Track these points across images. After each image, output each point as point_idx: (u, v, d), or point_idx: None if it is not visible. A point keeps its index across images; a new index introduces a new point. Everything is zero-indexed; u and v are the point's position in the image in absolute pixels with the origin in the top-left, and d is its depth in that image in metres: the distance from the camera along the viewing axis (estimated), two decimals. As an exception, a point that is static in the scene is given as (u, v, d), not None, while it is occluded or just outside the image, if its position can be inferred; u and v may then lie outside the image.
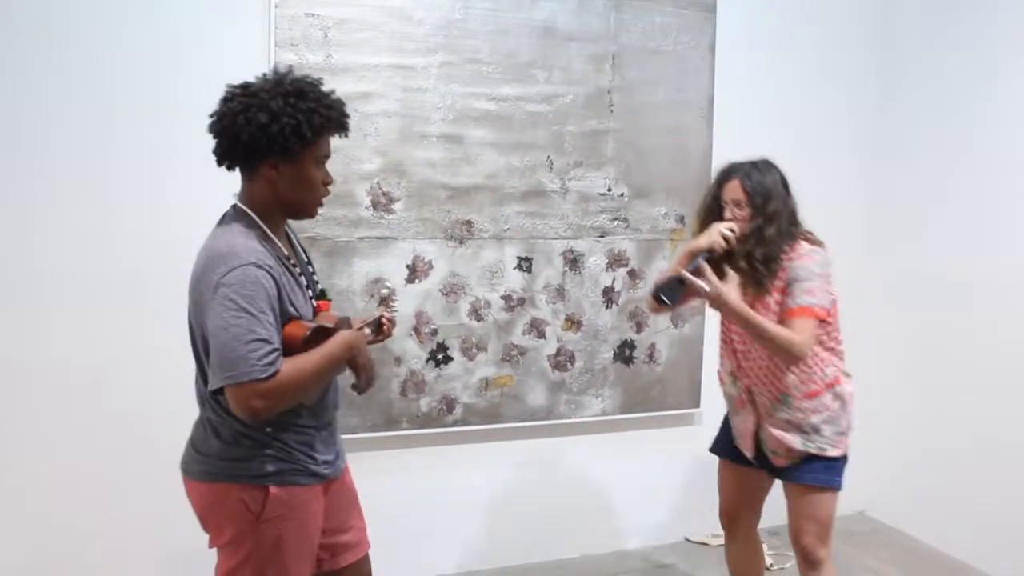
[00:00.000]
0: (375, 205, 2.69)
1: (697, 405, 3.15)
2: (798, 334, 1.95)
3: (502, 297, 2.87)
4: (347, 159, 2.59)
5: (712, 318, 2.79)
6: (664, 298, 1.96)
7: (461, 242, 2.80)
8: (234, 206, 1.62)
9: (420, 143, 2.72)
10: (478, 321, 2.85)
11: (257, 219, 1.58)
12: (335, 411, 1.74)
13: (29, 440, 2.45)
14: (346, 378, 1.69)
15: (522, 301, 2.90)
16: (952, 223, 3.10)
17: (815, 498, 2.11)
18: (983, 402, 2.96)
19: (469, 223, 2.80)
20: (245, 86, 1.56)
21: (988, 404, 2.94)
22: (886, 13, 3.37)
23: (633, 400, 3.07)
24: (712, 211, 2.12)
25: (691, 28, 3.03)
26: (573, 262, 2.95)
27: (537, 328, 2.93)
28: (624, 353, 3.05)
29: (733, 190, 2.06)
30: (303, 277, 1.66)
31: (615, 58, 2.94)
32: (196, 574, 2.57)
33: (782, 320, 2.00)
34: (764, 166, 2.08)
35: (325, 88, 1.59)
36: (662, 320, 3.08)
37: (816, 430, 2.08)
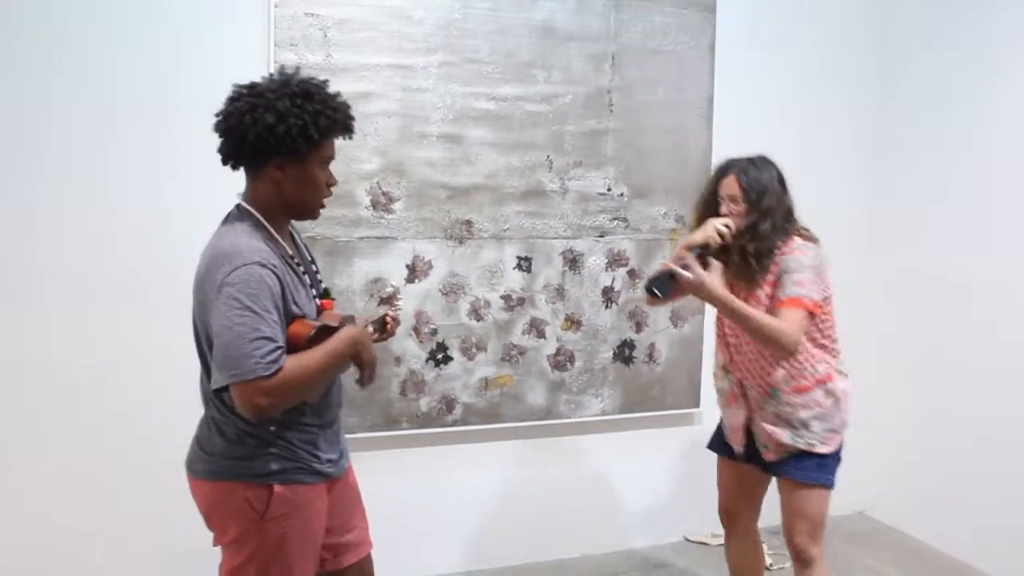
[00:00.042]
0: (375, 205, 2.69)
1: (697, 405, 3.15)
2: (787, 324, 1.95)
3: (502, 297, 2.87)
4: (347, 159, 2.59)
5: (712, 317, 2.79)
6: (656, 291, 1.99)
7: (461, 242, 2.80)
8: (238, 206, 1.63)
9: (420, 143, 2.72)
10: (478, 321, 2.85)
11: (261, 218, 1.59)
12: (339, 409, 1.74)
13: (29, 440, 2.45)
14: (349, 375, 1.69)
15: (522, 301, 2.90)
16: (952, 223, 3.10)
17: (806, 495, 2.11)
18: (983, 402, 2.96)
19: (469, 223, 2.80)
20: (252, 86, 1.56)
21: (988, 404, 2.94)
22: (886, 12, 3.37)
23: (633, 400, 3.07)
24: (709, 206, 2.14)
25: (691, 28, 3.03)
26: (573, 262, 2.95)
27: (537, 328, 2.93)
28: (624, 353, 3.05)
29: (729, 185, 2.08)
30: (307, 276, 1.67)
31: (615, 58, 2.94)
32: (196, 574, 2.58)
33: (772, 312, 2.01)
34: (761, 162, 2.10)
35: (331, 90, 1.60)
36: (662, 320, 3.08)
37: (805, 425, 2.08)
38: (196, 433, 1.67)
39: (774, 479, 2.23)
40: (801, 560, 2.14)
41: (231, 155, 1.58)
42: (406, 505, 2.81)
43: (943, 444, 3.14)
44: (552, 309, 2.94)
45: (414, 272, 2.76)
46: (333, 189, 1.68)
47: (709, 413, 2.98)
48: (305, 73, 1.60)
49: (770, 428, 2.12)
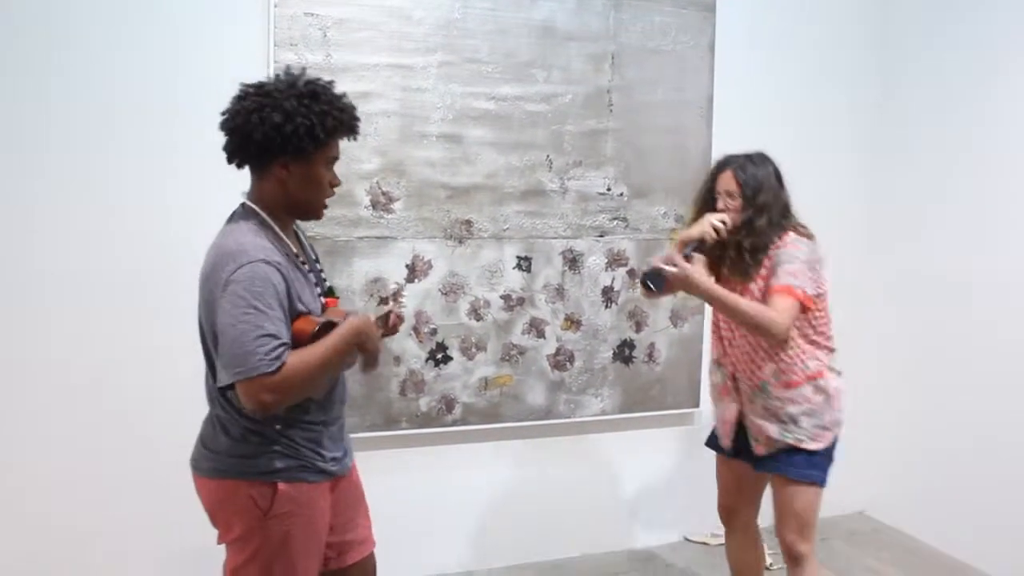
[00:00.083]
0: (374, 205, 2.69)
1: (697, 405, 3.14)
2: (777, 313, 1.96)
3: (501, 297, 2.87)
4: (347, 159, 2.59)
5: (711, 316, 2.79)
6: (651, 284, 2.01)
7: (460, 242, 2.80)
8: (243, 204, 1.64)
9: (419, 143, 2.72)
10: (477, 321, 2.85)
11: (266, 217, 1.60)
12: (342, 407, 1.75)
13: (29, 440, 2.45)
14: (353, 372, 1.69)
15: (521, 301, 2.90)
16: (952, 223, 3.10)
17: (795, 492, 2.11)
18: (983, 402, 2.96)
19: (468, 223, 2.81)
20: (259, 85, 1.57)
21: (988, 404, 2.94)
22: (886, 12, 3.37)
23: (632, 400, 3.07)
24: (706, 201, 2.17)
25: (690, 27, 3.03)
26: (572, 262, 2.95)
27: (536, 328, 2.93)
28: (623, 353, 3.05)
29: (726, 181, 2.11)
30: (312, 275, 1.68)
31: (614, 58, 2.94)
32: (196, 574, 2.58)
33: (764, 303, 2.02)
34: (758, 159, 2.12)
35: (337, 91, 1.61)
36: (661, 319, 3.08)
37: (794, 420, 2.09)
38: (201, 431, 1.68)
39: None
40: (791, 558, 2.15)
41: (237, 153, 1.59)
42: (406, 505, 2.81)
43: (943, 444, 3.14)
44: (552, 309, 2.94)
45: (414, 272, 2.76)
46: (336, 189, 1.69)
47: (709, 413, 2.97)
48: (311, 74, 1.61)
49: (759, 421, 2.13)
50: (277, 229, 1.61)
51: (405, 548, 2.77)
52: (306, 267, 1.67)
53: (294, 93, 1.54)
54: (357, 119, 1.64)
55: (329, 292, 1.72)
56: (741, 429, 2.22)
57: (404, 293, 2.71)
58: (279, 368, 1.45)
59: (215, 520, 1.65)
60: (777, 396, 2.09)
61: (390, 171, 2.69)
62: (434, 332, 2.79)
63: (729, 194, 2.10)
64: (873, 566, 3.04)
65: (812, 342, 2.10)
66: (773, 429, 2.11)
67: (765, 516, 2.39)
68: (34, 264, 2.43)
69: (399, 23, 2.67)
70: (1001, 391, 2.89)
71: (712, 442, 2.37)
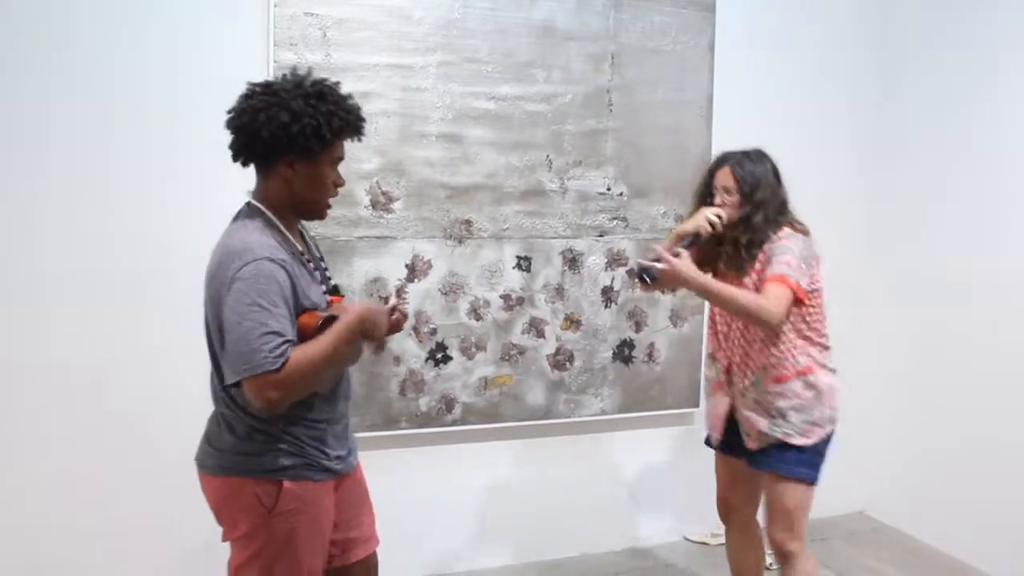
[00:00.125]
0: (374, 204, 2.69)
1: (696, 404, 3.14)
2: (769, 300, 1.97)
3: (501, 296, 2.87)
4: (346, 159, 2.53)
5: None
6: (645, 277, 2.03)
7: (460, 241, 2.80)
8: (248, 203, 1.65)
9: (419, 142, 2.72)
10: (477, 320, 2.85)
11: (272, 215, 1.61)
12: (347, 404, 1.76)
13: (29, 440, 2.45)
14: (357, 369, 1.69)
15: (521, 300, 2.90)
16: (952, 223, 3.10)
17: (784, 489, 2.12)
18: (983, 402, 2.96)
19: (468, 222, 2.81)
20: (267, 84, 1.59)
21: (988, 404, 2.94)
22: (886, 12, 3.37)
23: (632, 399, 3.07)
24: (704, 197, 2.19)
25: (690, 27, 3.03)
26: (572, 261, 2.95)
27: (536, 327, 2.93)
28: (623, 352, 3.05)
29: (724, 177, 2.14)
30: (317, 273, 1.70)
31: (614, 57, 2.94)
32: (196, 574, 2.59)
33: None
34: (756, 156, 2.15)
35: (343, 92, 1.63)
36: (661, 319, 3.08)
37: (783, 415, 2.10)
38: (206, 429, 1.69)
39: None
40: (782, 555, 2.16)
41: (242, 152, 1.60)
42: (405, 505, 2.81)
43: (943, 444, 3.14)
44: (551, 309, 2.94)
45: (413, 272, 2.76)
46: (339, 189, 1.70)
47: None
48: (317, 75, 1.62)
49: (750, 414, 2.15)
50: (282, 227, 1.62)
51: (405, 548, 2.77)
52: (311, 265, 1.68)
53: (301, 93, 1.55)
54: (363, 120, 1.66)
55: (334, 290, 1.73)
56: (736, 425, 2.23)
57: (406, 291, 2.71)
58: (283, 365, 1.46)
59: (220, 518, 1.66)
60: (767, 390, 2.11)
61: (390, 171, 2.70)
62: (434, 332, 2.80)
63: (726, 190, 2.12)
64: (873, 566, 3.04)
65: (805, 337, 2.11)
66: (763, 423, 2.12)
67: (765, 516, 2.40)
68: (34, 264, 2.43)
69: (399, 23, 2.67)
70: (1001, 391, 2.89)
71: (710, 441, 2.37)
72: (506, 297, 2.88)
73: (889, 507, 3.42)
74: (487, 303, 2.85)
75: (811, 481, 2.12)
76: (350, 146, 2.57)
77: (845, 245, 3.30)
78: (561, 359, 2.97)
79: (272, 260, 1.51)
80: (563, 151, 2.90)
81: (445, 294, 2.80)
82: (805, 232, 2.13)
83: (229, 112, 1.59)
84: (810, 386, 2.09)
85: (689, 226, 2.12)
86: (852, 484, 3.41)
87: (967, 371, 3.03)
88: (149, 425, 2.52)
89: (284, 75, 1.61)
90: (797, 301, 2.03)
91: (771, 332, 2.06)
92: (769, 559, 2.89)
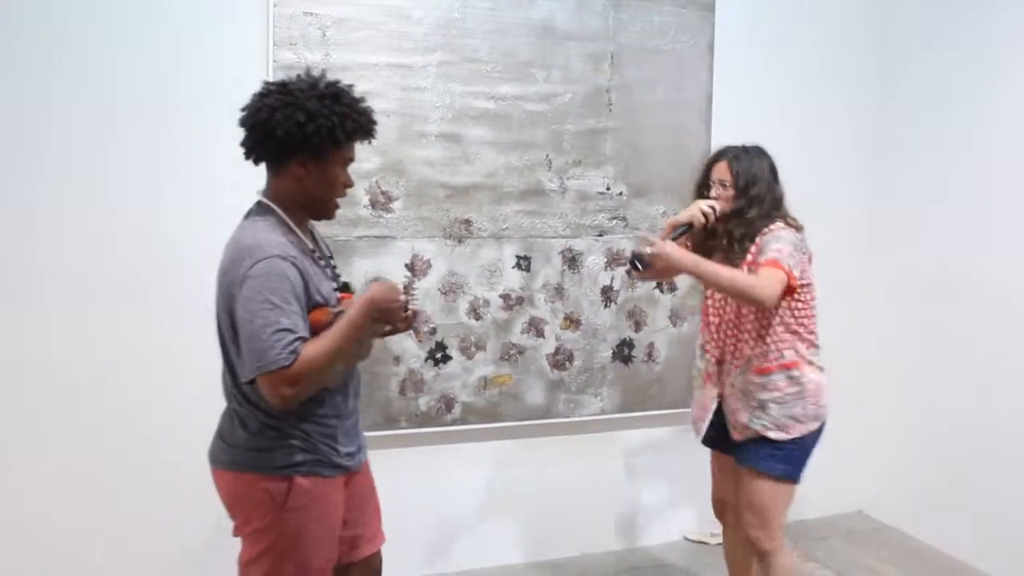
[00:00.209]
0: (374, 204, 2.69)
1: (696, 404, 3.14)
2: (760, 279, 1.99)
3: (501, 296, 2.87)
4: (346, 159, 2.59)
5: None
6: (637, 263, 2.04)
7: (460, 241, 2.80)
8: (259, 202, 1.67)
9: (419, 142, 2.72)
10: (477, 320, 2.85)
11: (282, 214, 1.63)
12: (357, 401, 1.78)
13: (29, 440, 2.45)
14: (367, 366, 1.69)
15: (521, 300, 2.90)
16: (952, 222, 3.10)
17: (759, 485, 2.13)
18: (982, 401, 2.96)
19: (468, 222, 2.81)
20: (282, 84, 1.61)
21: (987, 403, 2.94)
22: (886, 12, 3.36)
23: (632, 399, 3.07)
24: (701, 190, 2.23)
25: (690, 27, 3.03)
26: (572, 261, 2.95)
27: (536, 327, 2.93)
28: (623, 352, 3.05)
29: (721, 170, 2.17)
30: (327, 270, 1.71)
31: (614, 57, 2.94)
32: (196, 574, 2.59)
33: None
34: (754, 151, 2.18)
35: (356, 94, 1.65)
36: (661, 319, 3.08)
37: (763, 407, 2.11)
38: (219, 425, 1.71)
39: None
40: (758, 552, 2.17)
41: (256, 149, 1.62)
42: (405, 504, 2.79)
43: (942, 443, 3.14)
44: (551, 308, 2.94)
45: (413, 271, 2.76)
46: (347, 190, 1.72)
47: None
48: (331, 76, 1.65)
49: (735, 406, 2.17)
50: (293, 225, 1.64)
51: (404, 548, 2.77)
52: (322, 263, 1.70)
53: (316, 94, 1.58)
54: (375, 123, 1.69)
55: (344, 287, 1.75)
56: (720, 417, 2.25)
57: (415, 288, 2.72)
58: (295, 361, 1.48)
59: (232, 512, 1.68)
60: (751, 381, 2.13)
61: (389, 170, 2.70)
62: (433, 331, 2.80)
63: (722, 183, 2.16)
64: (872, 565, 3.04)
65: (793, 332, 2.11)
66: (744, 415, 2.14)
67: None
68: (34, 264, 2.43)
69: (398, 22, 2.67)
70: (1001, 391, 2.89)
71: (706, 438, 2.38)
72: (506, 297, 2.88)
73: (888, 506, 3.42)
74: (487, 303, 2.86)
75: (788, 479, 2.12)
76: (350, 146, 2.56)
77: (845, 245, 3.30)
78: (561, 359, 2.97)
79: (283, 258, 1.53)
80: (563, 151, 2.90)
81: (445, 294, 2.80)
82: (798, 228, 2.15)
83: (243, 110, 1.61)
84: (793, 381, 2.10)
85: (683, 217, 2.16)
86: (851, 483, 3.42)
87: (967, 371, 3.03)
88: (149, 425, 2.52)
89: (299, 75, 1.63)
90: (788, 291, 2.03)
91: (763, 319, 2.08)
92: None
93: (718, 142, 3.03)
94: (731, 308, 2.18)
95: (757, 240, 2.11)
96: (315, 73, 1.64)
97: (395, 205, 2.71)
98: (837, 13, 3.32)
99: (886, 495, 3.42)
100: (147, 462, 2.52)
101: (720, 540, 2.51)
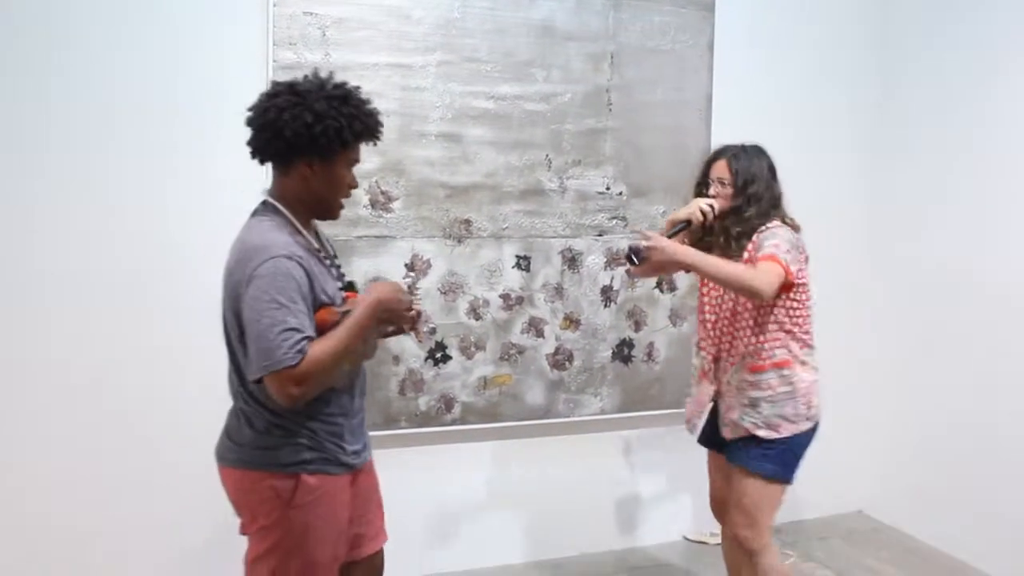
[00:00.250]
0: (374, 204, 2.69)
1: (696, 404, 3.15)
2: (759, 272, 1.99)
3: (500, 296, 2.87)
4: (346, 159, 2.59)
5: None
6: (633, 257, 2.05)
7: (460, 241, 2.80)
8: (264, 201, 1.68)
9: (419, 142, 2.72)
10: (477, 320, 2.85)
11: (288, 213, 1.64)
12: (363, 399, 1.79)
13: (29, 440, 2.45)
14: (373, 364, 1.70)
15: (520, 300, 2.90)
16: (952, 222, 3.10)
17: (748, 484, 2.13)
18: (982, 401, 2.96)
19: (468, 222, 2.81)
20: (290, 84, 1.62)
21: (987, 403, 2.94)
22: (886, 12, 3.36)
23: (632, 399, 3.08)
24: (700, 188, 2.25)
25: (690, 27, 3.03)
26: (571, 261, 2.95)
27: (536, 327, 2.93)
28: (623, 352, 3.05)
29: (720, 169, 2.19)
30: (333, 269, 1.72)
31: (613, 57, 2.94)
32: (196, 574, 2.59)
33: None
34: (753, 150, 2.20)
35: (363, 95, 1.67)
36: (660, 319, 3.08)
37: (754, 405, 2.11)
38: (226, 423, 1.71)
39: None
40: (745, 551, 2.17)
41: (263, 149, 1.63)
42: (405, 504, 2.79)
43: (942, 443, 3.14)
44: (551, 308, 2.94)
45: (413, 271, 2.76)
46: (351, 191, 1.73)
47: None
48: (338, 78, 1.66)
49: (729, 403, 2.17)
50: (298, 225, 1.65)
51: (404, 547, 2.76)
52: (327, 262, 1.71)
53: (324, 95, 1.59)
54: (381, 124, 1.71)
55: (349, 286, 1.76)
56: (715, 415, 2.26)
57: (418, 288, 2.72)
58: (302, 360, 1.49)
59: (239, 510, 1.69)
60: (744, 378, 2.13)
61: (389, 170, 2.70)
62: (433, 331, 2.80)
63: (721, 181, 2.17)
64: (872, 565, 3.04)
65: (787, 331, 2.12)
66: (735, 413, 2.15)
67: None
68: (34, 264, 2.43)
69: (398, 22, 2.67)
70: (1001, 390, 2.89)
71: (703, 438, 2.38)
72: (505, 296, 2.88)
73: (888, 506, 3.42)
74: (486, 302, 2.86)
75: (778, 479, 2.12)
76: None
77: (845, 245, 3.30)
78: (560, 359, 2.97)
79: (290, 257, 1.54)
80: (562, 150, 2.90)
81: (444, 293, 2.80)
82: (795, 227, 2.16)
83: (250, 109, 1.62)
84: (785, 380, 2.10)
85: (681, 214, 2.18)
86: (851, 483, 3.42)
87: (967, 370, 3.03)
88: (149, 425, 2.52)
89: (307, 76, 1.64)
90: (786, 286, 2.04)
91: (759, 317, 2.08)
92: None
93: (718, 142, 3.02)
94: (727, 305, 2.18)
95: (754, 238, 2.11)
96: (323, 74, 1.65)
97: (395, 205, 2.72)
98: (837, 13, 3.32)
99: (886, 495, 3.42)
100: (147, 462, 2.52)
101: (720, 540, 2.51)
